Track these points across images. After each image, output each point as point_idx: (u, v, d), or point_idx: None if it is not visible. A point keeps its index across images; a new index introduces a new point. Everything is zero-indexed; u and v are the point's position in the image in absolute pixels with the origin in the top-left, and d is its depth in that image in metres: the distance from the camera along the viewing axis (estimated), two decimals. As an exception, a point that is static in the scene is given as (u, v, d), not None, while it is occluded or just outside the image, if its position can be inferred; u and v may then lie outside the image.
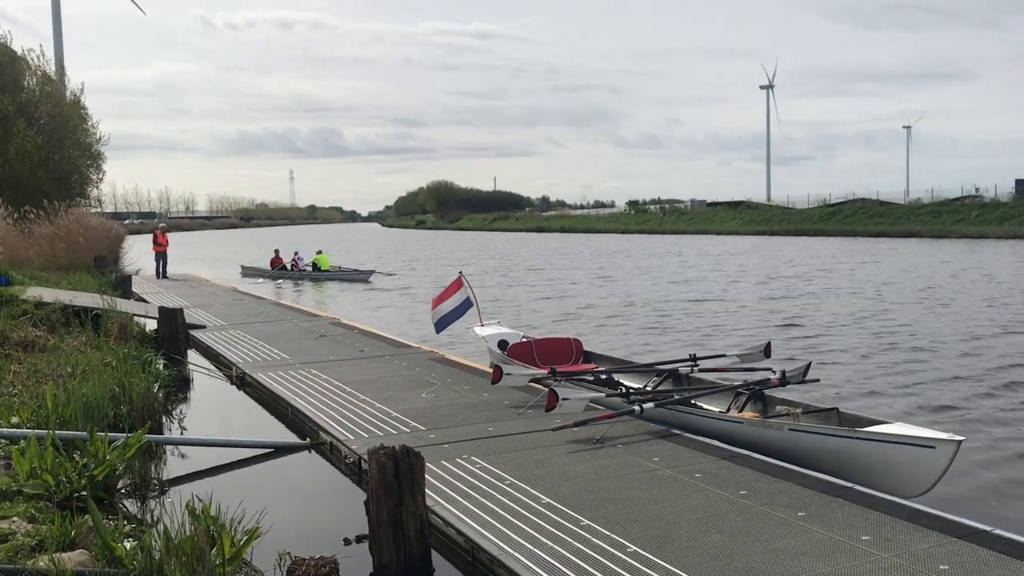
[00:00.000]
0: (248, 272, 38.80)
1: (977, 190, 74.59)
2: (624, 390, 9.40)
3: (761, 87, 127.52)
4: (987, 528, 5.58)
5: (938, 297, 24.25)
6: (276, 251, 38.53)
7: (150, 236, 32.46)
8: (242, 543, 5.02)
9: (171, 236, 34.37)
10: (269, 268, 37.69)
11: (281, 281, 35.34)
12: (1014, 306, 21.86)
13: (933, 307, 22.02)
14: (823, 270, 35.49)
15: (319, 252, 36.95)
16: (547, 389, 8.67)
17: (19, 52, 35.22)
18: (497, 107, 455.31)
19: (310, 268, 36.10)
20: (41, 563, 4.75)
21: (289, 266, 36.85)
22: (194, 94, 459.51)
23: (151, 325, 15.80)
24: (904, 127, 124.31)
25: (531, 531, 5.78)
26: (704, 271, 36.70)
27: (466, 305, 12.35)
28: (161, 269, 31.18)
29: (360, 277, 34.70)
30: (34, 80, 35.50)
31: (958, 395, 11.87)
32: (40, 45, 57.21)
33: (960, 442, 6.58)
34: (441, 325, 12.49)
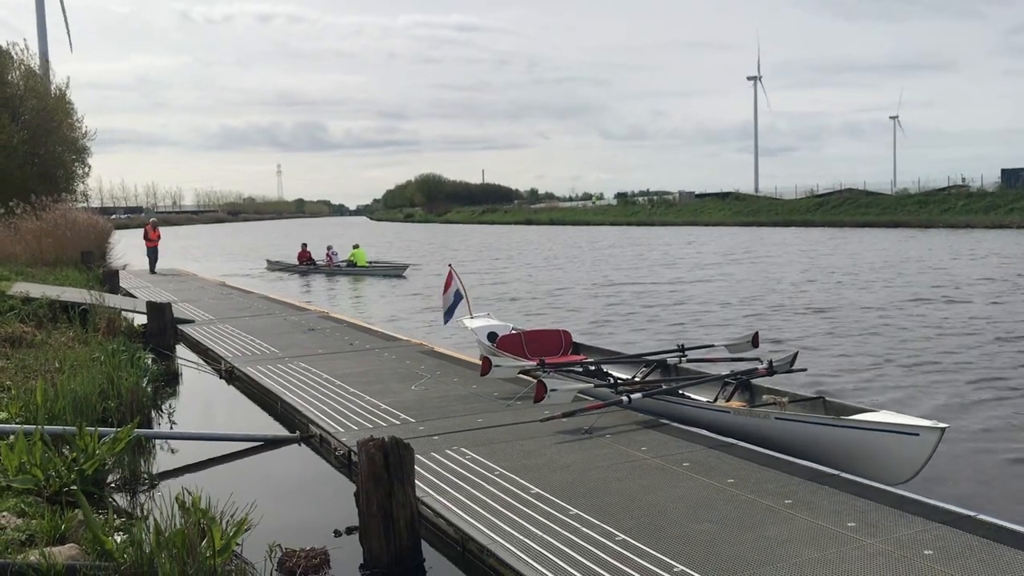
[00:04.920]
0: (274, 267, 37.26)
1: (963, 180, 74.99)
2: (612, 381, 9.44)
3: (748, 78, 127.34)
4: (971, 513, 5.65)
5: (863, 281, 25.45)
6: (303, 245, 36.67)
7: (137, 231, 32.15)
8: (232, 535, 5.04)
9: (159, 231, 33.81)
10: (296, 263, 36.08)
11: (310, 277, 33.64)
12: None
13: (856, 290, 23.33)
14: (766, 256, 37.51)
15: (356, 247, 34.84)
16: (536, 380, 8.70)
17: (2, 46, 35.04)
18: (482, 100, 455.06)
19: (344, 264, 34.22)
20: (32, 557, 4.76)
21: (328, 259, 34.72)
22: (174, 88, 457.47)
23: (139, 320, 15.78)
24: (891, 117, 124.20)
25: (521, 521, 5.82)
26: (651, 261, 37.87)
27: (459, 297, 12.49)
28: (152, 265, 30.91)
29: (395, 272, 33.00)
30: (18, 74, 35.27)
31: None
32: (24, 39, 56.74)
33: (944, 429, 6.65)
34: (447, 317, 12.88)
